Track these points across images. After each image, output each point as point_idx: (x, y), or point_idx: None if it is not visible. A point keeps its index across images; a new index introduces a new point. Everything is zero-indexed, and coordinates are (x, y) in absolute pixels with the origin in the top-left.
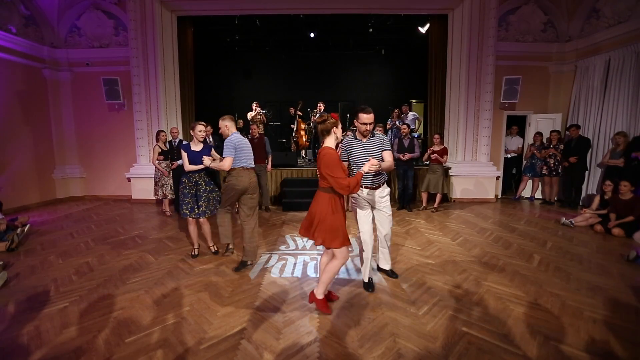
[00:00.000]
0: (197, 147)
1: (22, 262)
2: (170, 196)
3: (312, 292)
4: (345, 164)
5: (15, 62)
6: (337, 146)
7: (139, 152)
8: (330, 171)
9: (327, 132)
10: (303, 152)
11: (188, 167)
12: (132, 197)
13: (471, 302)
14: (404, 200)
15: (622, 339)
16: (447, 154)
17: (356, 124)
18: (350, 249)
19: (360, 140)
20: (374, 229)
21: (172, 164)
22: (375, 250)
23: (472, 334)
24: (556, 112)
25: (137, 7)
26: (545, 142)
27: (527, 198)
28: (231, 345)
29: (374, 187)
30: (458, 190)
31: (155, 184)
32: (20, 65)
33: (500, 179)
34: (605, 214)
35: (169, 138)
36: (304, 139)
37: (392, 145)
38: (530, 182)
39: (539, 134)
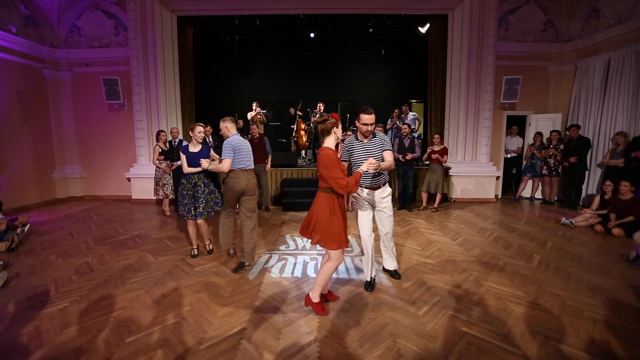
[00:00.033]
0: (195, 148)
1: (22, 262)
2: (171, 196)
3: (307, 296)
4: (346, 164)
5: (15, 62)
6: (337, 146)
7: (139, 152)
8: (328, 171)
9: (327, 132)
10: (303, 152)
11: (186, 169)
12: (132, 197)
13: (471, 302)
14: (404, 200)
15: (622, 339)
16: (447, 154)
17: (357, 124)
18: (350, 249)
19: (362, 141)
20: (375, 229)
21: (172, 164)
22: (378, 250)
23: (472, 334)
24: (556, 112)
25: (137, 7)
26: (545, 142)
27: (527, 198)
28: (231, 345)
29: (373, 188)
30: (458, 190)
31: (156, 184)
32: (20, 65)
33: (500, 179)
34: (605, 214)
35: (169, 138)
36: (304, 139)
37: (392, 146)
38: (530, 182)
39: (539, 134)
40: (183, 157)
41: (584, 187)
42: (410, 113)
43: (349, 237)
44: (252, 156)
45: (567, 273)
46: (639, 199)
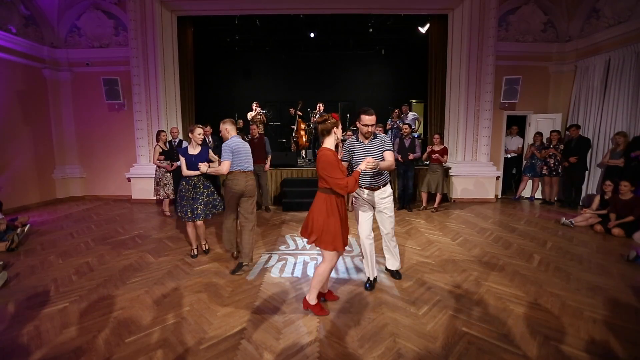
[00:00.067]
0: (195, 150)
1: (22, 262)
2: (172, 196)
3: (304, 299)
4: (347, 164)
5: (15, 62)
6: (336, 147)
7: (139, 152)
8: (327, 172)
9: (328, 133)
10: (303, 152)
11: (185, 172)
12: (132, 197)
13: (471, 302)
14: (404, 200)
15: (622, 339)
16: (447, 154)
17: (358, 125)
18: (350, 249)
19: (362, 142)
20: (377, 229)
21: (171, 164)
22: (379, 250)
23: (472, 334)
24: (556, 112)
25: (137, 7)
26: (545, 142)
27: (527, 198)
28: (231, 345)
29: (373, 189)
30: (458, 190)
31: (157, 184)
32: (20, 65)
33: (500, 179)
34: (605, 214)
35: (169, 138)
36: (304, 139)
37: (392, 146)
38: (530, 182)
39: (539, 134)
40: (182, 159)
41: (584, 187)
42: (410, 113)
43: (350, 237)
44: (251, 158)
45: (567, 273)
46: (639, 199)
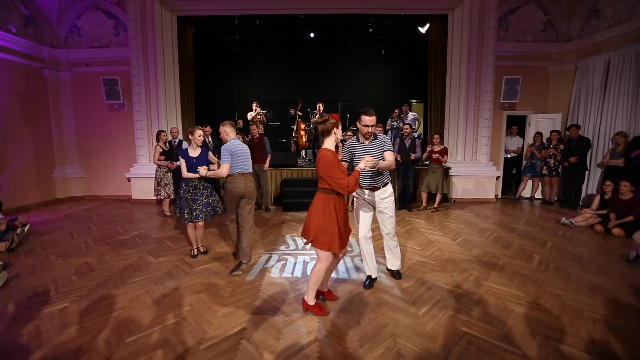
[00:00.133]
0: (195, 152)
1: (22, 262)
2: (172, 196)
3: (303, 300)
4: (347, 164)
5: (15, 62)
6: (336, 147)
7: (139, 152)
8: (328, 173)
9: (328, 133)
10: (303, 152)
11: (185, 174)
12: (132, 197)
13: (471, 302)
14: (404, 200)
15: (622, 339)
16: (447, 154)
17: (358, 125)
18: (350, 249)
19: (363, 142)
20: (377, 229)
21: (172, 163)
22: (379, 250)
23: (472, 334)
24: (556, 112)
25: (137, 7)
26: (545, 142)
27: (527, 198)
28: (231, 345)
29: (373, 188)
30: (458, 190)
31: (158, 184)
32: (20, 65)
33: (500, 179)
34: (605, 214)
35: (169, 138)
36: (304, 139)
37: (393, 146)
38: (530, 182)
39: (539, 134)
40: (182, 161)
41: (584, 187)
42: (410, 113)
43: (350, 238)
44: (250, 160)
45: (567, 273)
46: (639, 199)
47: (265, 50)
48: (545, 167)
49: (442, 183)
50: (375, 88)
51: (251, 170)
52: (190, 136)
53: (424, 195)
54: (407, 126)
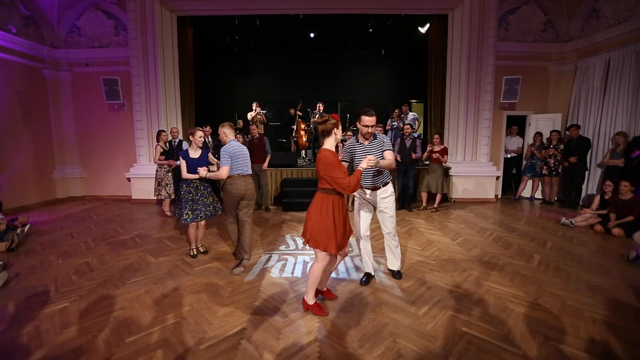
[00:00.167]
0: (196, 153)
1: (22, 262)
2: (173, 196)
3: (303, 300)
4: (346, 165)
5: (15, 62)
6: (336, 147)
7: (139, 152)
8: (329, 172)
9: (328, 133)
10: (303, 152)
11: (185, 175)
12: (132, 197)
13: (471, 302)
14: (404, 200)
15: (622, 339)
16: (447, 154)
17: (358, 125)
18: (350, 249)
19: (362, 143)
20: (378, 228)
21: (173, 162)
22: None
23: (472, 334)
24: (556, 112)
25: (137, 7)
26: (545, 142)
27: (527, 198)
28: (231, 345)
29: (374, 188)
30: (458, 190)
31: (158, 184)
32: (20, 65)
33: (500, 179)
34: (605, 214)
35: (169, 138)
36: (304, 139)
37: (393, 146)
38: (530, 182)
39: (539, 134)
40: (183, 162)
41: (584, 187)
42: (410, 113)
43: (350, 238)
44: (250, 161)
45: (567, 273)
46: (639, 199)
47: (265, 50)
48: (545, 167)
49: (442, 183)
50: (375, 88)
51: (250, 172)
52: (190, 137)
53: (424, 195)
54: (408, 126)
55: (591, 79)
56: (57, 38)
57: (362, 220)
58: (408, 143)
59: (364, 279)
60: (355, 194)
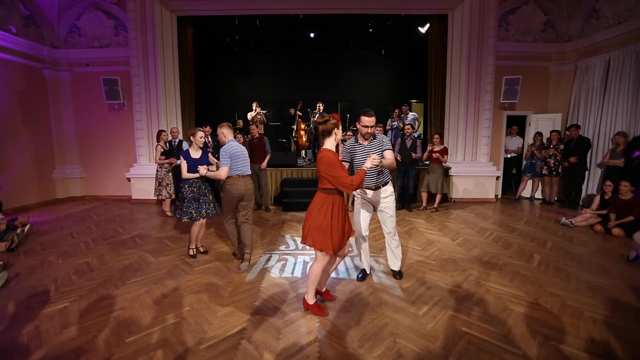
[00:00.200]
0: (196, 154)
1: (22, 262)
2: (174, 196)
3: (303, 299)
4: (347, 165)
5: (15, 62)
6: (336, 147)
7: (139, 152)
8: (330, 172)
9: (328, 133)
10: (303, 152)
11: (185, 174)
12: (132, 197)
13: (471, 302)
14: (404, 200)
15: (622, 339)
16: (447, 154)
17: (358, 126)
18: (350, 248)
19: (362, 143)
20: (379, 228)
21: (174, 160)
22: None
23: (472, 334)
24: (556, 112)
25: (137, 7)
26: (545, 142)
27: (527, 198)
28: (231, 345)
29: (374, 187)
30: (458, 190)
31: (159, 184)
32: (20, 65)
33: (500, 179)
34: (605, 214)
35: (169, 138)
36: (304, 139)
37: (393, 146)
38: (530, 182)
39: (539, 134)
40: (184, 162)
41: (584, 187)
42: (410, 113)
43: (350, 238)
44: (249, 162)
45: (567, 273)
46: (639, 199)
47: (265, 50)
48: (545, 167)
49: (442, 183)
50: (375, 88)
51: (250, 172)
52: (191, 138)
53: (424, 195)
54: (409, 126)
55: (591, 79)
56: (57, 38)
57: (362, 220)
58: (408, 143)
59: (359, 276)
60: (355, 193)
